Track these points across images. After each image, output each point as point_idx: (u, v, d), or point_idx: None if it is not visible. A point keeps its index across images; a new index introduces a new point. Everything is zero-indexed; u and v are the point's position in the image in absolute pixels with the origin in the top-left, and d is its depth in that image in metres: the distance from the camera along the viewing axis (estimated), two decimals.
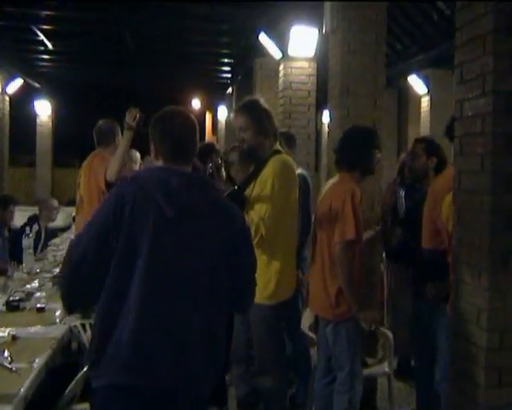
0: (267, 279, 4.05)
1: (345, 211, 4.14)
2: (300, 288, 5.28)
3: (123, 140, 5.17)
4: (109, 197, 2.64)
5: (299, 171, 6.13)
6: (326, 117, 13.50)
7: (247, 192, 4.15)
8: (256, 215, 3.98)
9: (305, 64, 9.26)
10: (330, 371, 4.49)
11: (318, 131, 18.43)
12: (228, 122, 17.74)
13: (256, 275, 4.06)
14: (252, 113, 4.17)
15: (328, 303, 4.25)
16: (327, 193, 4.51)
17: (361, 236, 4.26)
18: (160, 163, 2.74)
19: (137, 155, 6.87)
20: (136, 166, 5.97)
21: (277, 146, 4.29)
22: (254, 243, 3.93)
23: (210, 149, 5.55)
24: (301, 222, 5.38)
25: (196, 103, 25.74)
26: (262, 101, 4.34)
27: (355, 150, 4.37)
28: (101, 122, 6.03)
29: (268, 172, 4.05)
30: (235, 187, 4.25)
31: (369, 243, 5.10)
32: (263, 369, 4.26)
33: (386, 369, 4.89)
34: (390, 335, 4.91)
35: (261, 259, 4.04)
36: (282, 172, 4.09)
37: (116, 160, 5.25)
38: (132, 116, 4.97)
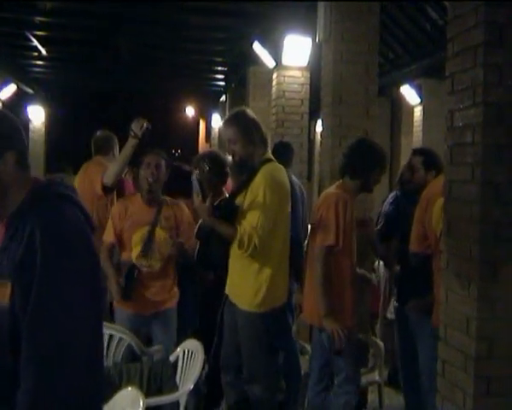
0: (257, 287, 4.07)
1: (328, 217, 4.19)
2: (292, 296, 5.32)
3: (127, 147, 5.14)
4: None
5: (294, 180, 6.20)
6: (319, 126, 13.53)
7: (239, 201, 4.16)
8: (249, 225, 3.98)
9: (299, 73, 9.30)
10: (323, 379, 4.51)
11: (311, 140, 18.46)
12: (220, 134, 17.77)
13: (246, 284, 4.12)
14: (240, 124, 4.19)
15: (319, 310, 4.26)
16: (318, 201, 4.55)
17: (347, 244, 4.24)
18: None
19: None
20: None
21: (268, 154, 4.31)
22: (248, 253, 3.96)
23: (200, 158, 5.56)
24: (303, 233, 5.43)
25: (190, 111, 25.81)
26: (249, 111, 4.38)
27: (362, 160, 4.39)
28: (99, 132, 6.14)
29: (259, 180, 4.06)
30: (226, 197, 4.27)
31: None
32: (252, 377, 4.25)
33: (377, 378, 4.91)
34: (381, 344, 4.93)
35: (252, 266, 4.08)
36: (274, 181, 4.10)
37: (117, 164, 5.27)
38: (139, 125, 4.97)
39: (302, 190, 6.10)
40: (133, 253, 4.71)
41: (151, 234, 4.70)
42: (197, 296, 5.29)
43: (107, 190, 5.38)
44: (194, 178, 5.64)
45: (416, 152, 5.15)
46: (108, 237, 4.82)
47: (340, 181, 4.49)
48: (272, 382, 4.34)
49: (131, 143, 5.04)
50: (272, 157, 4.33)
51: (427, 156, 4.93)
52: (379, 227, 5.78)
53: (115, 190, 5.56)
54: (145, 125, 4.97)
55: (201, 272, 5.09)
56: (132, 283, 4.64)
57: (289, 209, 4.26)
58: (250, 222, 3.99)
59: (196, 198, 4.10)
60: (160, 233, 4.73)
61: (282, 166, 4.35)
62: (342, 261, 4.25)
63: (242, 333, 4.20)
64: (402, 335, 4.83)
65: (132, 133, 4.99)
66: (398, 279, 5.04)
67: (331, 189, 4.51)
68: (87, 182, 5.68)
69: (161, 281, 4.77)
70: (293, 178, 6.24)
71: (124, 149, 5.21)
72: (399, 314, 4.89)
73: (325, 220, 4.20)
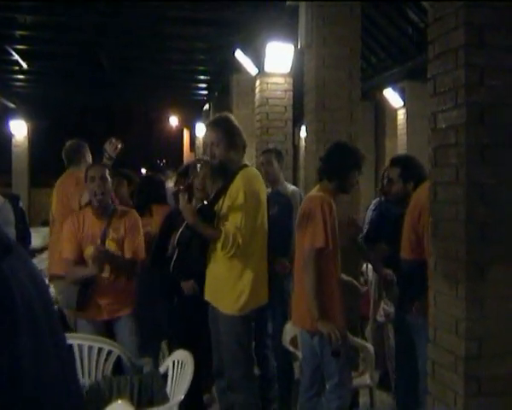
0: (240, 291, 4.16)
1: (315, 219, 4.21)
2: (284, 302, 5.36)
3: None
4: None
5: (292, 187, 6.23)
6: (303, 132, 13.56)
7: (217, 207, 4.25)
8: (232, 225, 4.07)
9: (281, 80, 9.33)
10: (314, 384, 4.52)
11: (296, 146, 18.52)
12: (203, 139, 17.78)
13: (228, 288, 4.16)
14: (223, 128, 4.30)
15: (312, 316, 4.27)
16: (303, 203, 4.59)
17: (333, 245, 4.27)
18: None
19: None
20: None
21: (245, 161, 4.42)
22: (231, 253, 4.03)
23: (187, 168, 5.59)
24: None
25: (174, 121, 25.83)
26: (232, 117, 4.50)
27: (337, 163, 4.43)
28: (68, 143, 6.04)
29: (237, 184, 4.16)
30: (205, 202, 4.37)
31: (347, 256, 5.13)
32: (233, 384, 4.29)
33: (368, 381, 4.92)
34: (371, 348, 4.94)
35: (234, 270, 4.17)
36: (252, 184, 4.21)
37: None
38: (114, 147, 4.97)
39: (302, 197, 6.15)
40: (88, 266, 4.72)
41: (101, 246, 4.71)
42: (173, 305, 5.29)
43: None
44: (169, 187, 5.68)
45: (394, 162, 5.08)
46: (69, 254, 4.78)
47: (319, 185, 4.53)
48: (253, 388, 4.37)
49: (106, 163, 5.08)
50: (248, 163, 4.44)
51: (404, 168, 4.86)
52: (364, 232, 5.80)
53: None
54: (119, 146, 4.98)
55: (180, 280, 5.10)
56: (87, 293, 4.67)
57: (266, 212, 4.33)
58: (233, 222, 4.08)
59: (182, 199, 4.12)
60: (110, 245, 4.75)
61: (257, 172, 4.48)
62: (329, 263, 4.28)
63: (224, 338, 4.26)
64: (398, 338, 4.85)
65: (107, 155, 5.02)
66: (395, 284, 5.07)
67: (313, 192, 4.54)
68: (65, 198, 5.62)
69: (115, 290, 4.76)
70: (289, 185, 6.29)
71: None
72: (396, 318, 4.92)
73: (312, 223, 4.23)
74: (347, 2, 6.16)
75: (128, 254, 4.78)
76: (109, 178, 4.79)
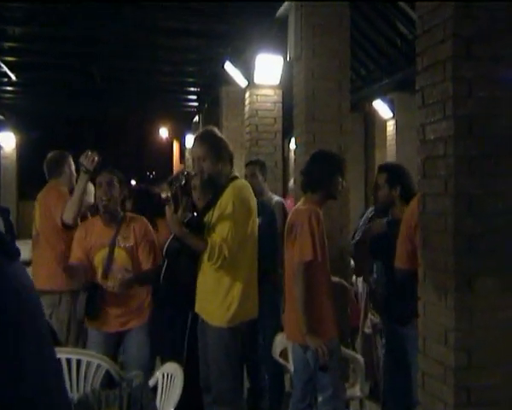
0: (229, 303, 4.14)
1: (303, 232, 4.22)
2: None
3: (80, 183, 5.13)
4: None
5: (276, 198, 6.24)
6: (293, 144, 13.65)
7: (207, 219, 4.24)
8: (218, 237, 4.05)
9: (271, 92, 9.36)
10: (306, 396, 4.51)
11: (285, 158, 18.55)
12: (190, 153, 17.80)
13: (217, 300, 4.15)
14: (209, 142, 4.30)
15: (301, 327, 4.27)
16: (290, 216, 4.59)
17: (322, 257, 4.28)
18: None
19: (91, 188, 6.62)
20: (91, 199, 5.90)
21: (235, 173, 4.41)
22: (217, 265, 4.02)
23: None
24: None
25: (164, 133, 25.84)
26: (216, 130, 4.52)
27: (318, 173, 4.45)
28: (49, 155, 5.94)
29: (227, 196, 4.16)
30: (195, 214, 4.36)
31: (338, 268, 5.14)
32: (220, 398, 4.26)
33: (358, 393, 4.92)
34: (361, 359, 4.94)
35: (223, 281, 4.15)
36: (242, 195, 4.21)
37: (74, 203, 5.21)
38: (90, 160, 4.97)
39: (285, 208, 6.15)
40: (97, 274, 4.76)
41: (111, 255, 4.73)
42: (165, 321, 5.28)
43: (67, 227, 5.34)
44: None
45: (381, 169, 5.07)
46: (75, 257, 4.83)
47: (304, 197, 4.54)
48: (240, 403, 4.36)
49: (84, 178, 5.07)
50: (238, 175, 4.44)
51: (390, 173, 4.86)
52: (354, 241, 5.79)
53: (76, 226, 5.39)
54: (96, 158, 4.98)
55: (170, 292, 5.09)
56: (95, 302, 4.66)
57: (256, 224, 4.33)
58: (220, 234, 4.06)
59: (168, 210, 4.11)
60: (119, 253, 4.76)
61: (247, 183, 4.48)
62: (319, 274, 4.29)
63: (212, 351, 4.23)
64: (389, 348, 4.84)
65: (84, 168, 5.00)
66: (385, 294, 5.05)
67: (299, 205, 4.55)
68: (48, 213, 5.53)
69: (126, 300, 4.76)
70: (274, 195, 6.30)
71: (77, 186, 5.21)
72: (387, 329, 4.91)
73: (301, 237, 4.24)
74: (337, 13, 6.19)
75: (146, 264, 4.81)
76: (117, 185, 4.80)
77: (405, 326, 4.48)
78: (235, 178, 4.35)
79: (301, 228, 4.25)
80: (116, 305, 4.74)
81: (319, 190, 4.44)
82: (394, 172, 4.87)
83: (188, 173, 4.33)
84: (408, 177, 4.80)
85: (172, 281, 4.70)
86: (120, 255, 4.75)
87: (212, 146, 4.27)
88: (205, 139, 4.36)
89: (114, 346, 4.81)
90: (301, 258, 4.22)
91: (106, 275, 4.70)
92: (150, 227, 4.99)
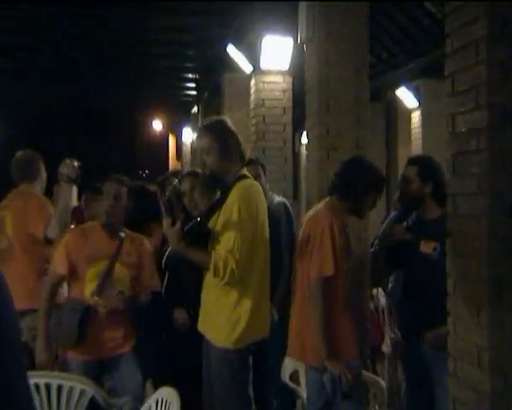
0: (235, 321, 4.05)
1: (323, 243, 4.17)
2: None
3: (63, 195, 5.14)
4: None
5: (278, 199, 6.21)
6: (305, 137, 13.62)
7: (211, 224, 4.16)
8: (223, 249, 3.97)
9: (280, 78, 9.33)
10: None
11: (296, 154, 18.54)
12: (194, 146, 17.78)
13: (222, 317, 4.09)
14: (215, 133, 4.20)
15: (319, 350, 4.24)
16: (307, 222, 4.53)
17: (343, 271, 4.25)
18: None
19: (74, 189, 6.62)
20: (74, 202, 5.90)
21: (244, 171, 4.31)
22: (225, 280, 3.95)
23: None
24: (287, 259, 5.43)
25: (158, 125, 25.68)
26: (228, 121, 4.39)
27: (356, 181, 4.39)
28: (19, 154, 5.84)
29: (233, 198, 4.06)
30: (197, 219, 4.26)
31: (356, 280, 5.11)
32: None
33: None
34: (383, 383, 4.92)
35: (230, 297, 4.06)
36: (249, 197, 4.10)
37: (60, 220, 5.23)
38: (71, 167, 4.97)
39: (288, 209, 6.12)
40: (86, 289, 4.64)
41: (110, 269, 4.65)
42: (161, 340, 5.28)
43: (49, 241, 5.33)
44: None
45: (411, 161, 5.01)
46: (60, 268, 4.73)
47: (327, 200, 4.50)
48: None
49: (68, 188, 5.11)
50: (248, 174, 4.33)
51: (422, 166, 4.79)
52: (373, 250, 5.77)
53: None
54: (76, 164, 4.98)
55: (171, 310, 5.08)
56: (86, 326, 4.57)
57: (267, 230, 4.25)
58: (225, 245, 3.98)
59: (165, 222, 4.09)
60: (119, 269, 4.70)
61: (258, 184, 4.35)
62: (339, 291, 4.25)
63: (217, 374, 4.16)
64: (409, 373, 4.82)
65: (65, 178, 5.01)
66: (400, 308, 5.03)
67: (320, 207, 4.50)
68: (32, 227, 5.44)
69: (118, 322, 4.72)
70: (276, 196, 6.27)
71: (61, 198, 5.21)
72: (406, 348, 4.89)
73: (320, 248, 4.17)
74: None
75: (148, 286, 4.80)
76: (125, 198, 4.79)
77: (427, 342, 4.47)
78: (244, 177, 4.24)
79: (321, 239, 4.19)
80: (107, 327, 4.67)
81: (348, 200, 4.39)
82: (427, 166, 4.80)
83: (179, 172, 4.31)
84: (441, 173, 4.64)
85: (175, 296, 4.67)
86: (120, 272, 4.69)
87: (219, 138, 4.17)
88: (211, 129, 4.26)
89: (99, 372, 4.75)
90: (320, 273, 4.17)
91: (99, 292, 4.58)
92: (150, 246, 4.99)
